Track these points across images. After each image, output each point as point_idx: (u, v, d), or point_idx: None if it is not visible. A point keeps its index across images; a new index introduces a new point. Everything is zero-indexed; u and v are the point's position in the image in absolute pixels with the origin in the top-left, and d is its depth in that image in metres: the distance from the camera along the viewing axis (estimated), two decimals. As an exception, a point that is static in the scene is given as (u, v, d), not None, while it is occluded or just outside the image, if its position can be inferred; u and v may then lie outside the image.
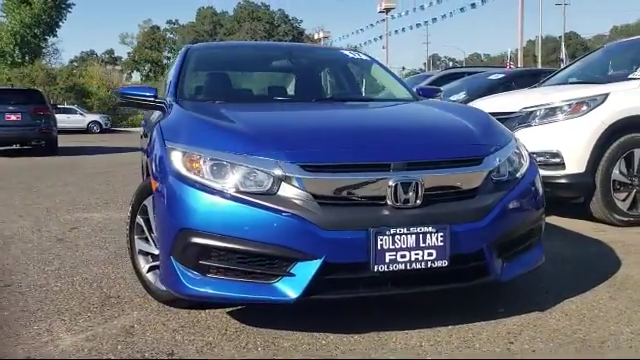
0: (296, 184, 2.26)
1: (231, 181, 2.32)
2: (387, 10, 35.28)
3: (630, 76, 4.97)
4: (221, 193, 2.30)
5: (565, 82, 5.79)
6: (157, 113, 3.50)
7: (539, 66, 31.66)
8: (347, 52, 4.19)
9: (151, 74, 71.07)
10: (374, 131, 2.66)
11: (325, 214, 2.22)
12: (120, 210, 5.71)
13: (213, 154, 2.39)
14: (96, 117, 33.68)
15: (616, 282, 3.12)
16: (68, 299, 2.96)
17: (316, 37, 45.95)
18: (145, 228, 2.88)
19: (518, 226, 2.56)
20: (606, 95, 4.59)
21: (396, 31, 34.49)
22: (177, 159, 2.45)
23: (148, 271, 2.88)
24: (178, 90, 3.41)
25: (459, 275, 2.40)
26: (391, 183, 2.27)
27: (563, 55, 14.77)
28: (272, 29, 73.66)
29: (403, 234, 2.23)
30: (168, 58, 74.38)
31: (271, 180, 2.29)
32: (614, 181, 4.57)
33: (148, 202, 2.83)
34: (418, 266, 2.26)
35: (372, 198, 2.29)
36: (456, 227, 2.31)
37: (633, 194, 4.61)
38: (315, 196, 2.26)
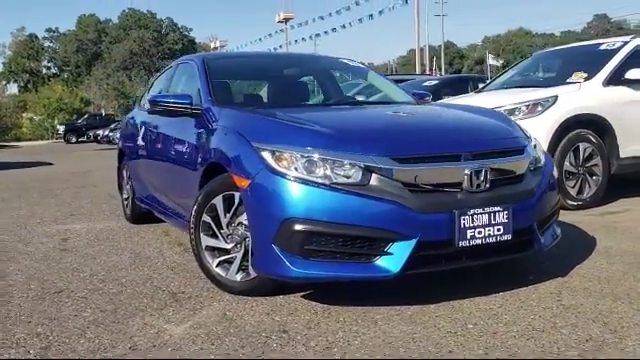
0: (386, 174, 2.60)
1: (326, 175, 2.61)
2: (286, 20, 35.97)
3: (568, 80, 5.74)
4: (320, 185, 2.59)
5: (506, 86, 6.51)
6: (186, 119, 3.66)
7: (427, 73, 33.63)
8: (346, 60, 4.56)
9: (30, 85, 67.00)
10: (438, 128, 3.07)
11: (417, 199, 2.59)
12: (96, 221, 5.67)
13: (305, 152, 2.67)
14: (-22, 131, 31.44)
15: (602, 252, 3.72)
16: (136, 298, 3.07)
17: (212, 46, 45.64)
18: (213, 225, 3.08)
19: (550, 205, 3.07)
20: (556, 97, 5.31)
21: (296, 41, 35.30)
22: (270, 158, 2.71)
23: (217, 266, 3.08)
24: (214, 97, 3.61)
25: (517, 247, 2.86)
26: (467, 171, 2.68)
27: (490, 62, 16.00)
28: (161, 37, 72.06)
29: (479, 213, 2.65)
30: (48, 68, 70.55)
31: (362, 172, 2.61)
32: (565, 171, 5.29)
33: (217, 201, 3.04)
34: (490, 241, 2.69)
35: (451, 184, 2.69)
36: (515, 206, 2.76)
37: (579, 182, 5.36)
38: (404, 184, 2.61)
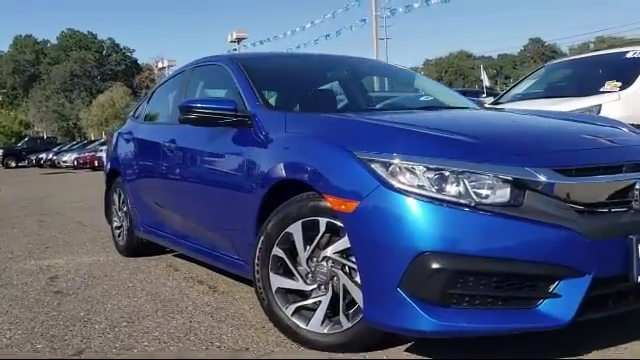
0: (546, 191, 1.99)
1: (465, 192, 1.98)
2: (239, 40, 35.24)
3: (602, 89, 5.34)
4: (461, 206, 1.95)
5: (529, 98, 6.06)
6: (223, 130, 2.97)
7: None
8: (392, 64, 3.98)
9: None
10: (585, 133, 2.45)
11: (587, 222, 1.98)
12: (76, 254, 4.84)
13: (433, 162, 2.03)
14: None
15: None
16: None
17: (159, 66, 44.14)
18: (288, 261, 2.40)
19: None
20: (600, 106, 4.89)
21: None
22: (384, 172, 2.05)
23: (293, 314, 2.39)
24: (264, 102, 2.94)
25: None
26: (638, 185, 2.10)
27: (485, 78, 15.86)
28: (102, 58, 70.07)
29: (656, 239, 2.07)
30: (-16, 90, 67.21)
31: (512, 188, 1.98)
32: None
33: (295, 229, 2.36)
34: (664, 273, 2.10)
35: (620, 202, 2.10)
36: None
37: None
38: (570, 203, 2.01)
